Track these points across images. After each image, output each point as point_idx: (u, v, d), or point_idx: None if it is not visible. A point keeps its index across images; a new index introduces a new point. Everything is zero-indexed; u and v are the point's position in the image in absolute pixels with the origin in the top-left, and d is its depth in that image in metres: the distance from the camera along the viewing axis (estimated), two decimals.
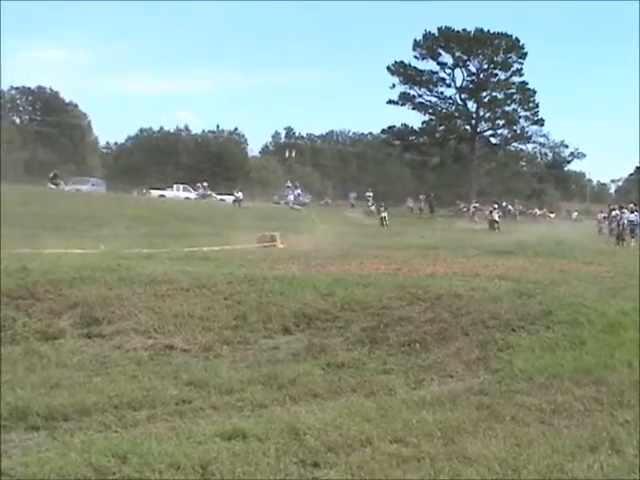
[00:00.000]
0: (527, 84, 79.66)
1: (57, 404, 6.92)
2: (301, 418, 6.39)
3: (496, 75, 79.94)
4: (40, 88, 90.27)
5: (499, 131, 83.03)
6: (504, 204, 71.58)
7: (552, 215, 74.07)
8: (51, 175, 61.19)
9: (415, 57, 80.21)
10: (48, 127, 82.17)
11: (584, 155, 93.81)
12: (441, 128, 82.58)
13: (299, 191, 70.57)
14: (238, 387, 7.75)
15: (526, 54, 78.64)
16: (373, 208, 61.33)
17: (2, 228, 20.21)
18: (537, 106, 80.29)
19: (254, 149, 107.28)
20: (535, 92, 79.94)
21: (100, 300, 11.11)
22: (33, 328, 10.03)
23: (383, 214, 52.22)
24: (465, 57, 79.43)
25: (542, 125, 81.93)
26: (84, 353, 9.25)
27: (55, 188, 56.73)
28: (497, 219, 52.83)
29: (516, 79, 79.78)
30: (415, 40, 79.67)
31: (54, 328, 10.12)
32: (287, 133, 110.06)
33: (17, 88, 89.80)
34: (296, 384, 7.90)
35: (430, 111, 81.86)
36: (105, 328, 10.25)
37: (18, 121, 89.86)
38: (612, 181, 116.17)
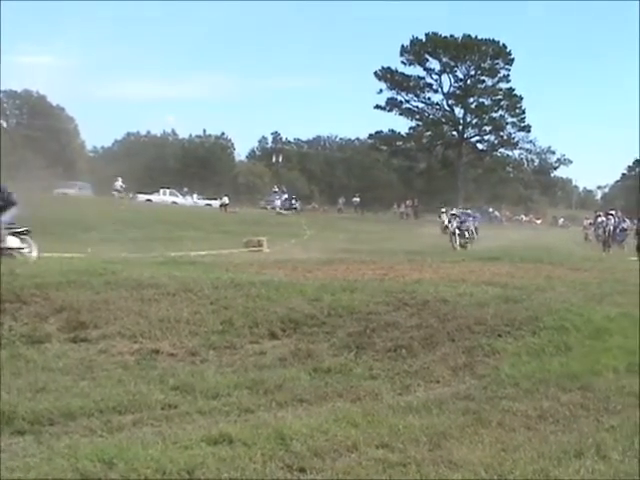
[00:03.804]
0: (514, 90, 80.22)
1: (43, 408, 6.87)
2: (287, 423, 6.38)
3: (483, 81, 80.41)
4: (27, 92, 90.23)
5: (486, 137, 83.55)
6: (490, 210, 71.91)
7: (538, 221, 74.57)
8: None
9: (402, 63, 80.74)
10: (35, 131, 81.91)
11: (570, 161, 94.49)
12: (428, 134, 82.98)
13: (286, 196, 70.64)
14: (224, 392, 7.72)
15: (513, 60, 79.23)
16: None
17: None
18: (524, 112, 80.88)
19: (241, 154, 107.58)
20: (522, 98, 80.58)
21: (87, 304, 11.05)
22: (19, 332, 9.95)
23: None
24: (452, 63, 79.87)
25: (529, 131, 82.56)
26: (70, 357, 9.19)
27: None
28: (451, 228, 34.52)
29: (503, 85, 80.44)
30: (402, 46, 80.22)
31: (40, 332, 10.05)
32: (274, 138, 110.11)
33: (4, 92, 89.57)
34: (282, 389, 7.89)
35: (417, 117, 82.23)
36: (91, 332, 10.19)
37: (5, 125, 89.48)
38: (598, 187, 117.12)
